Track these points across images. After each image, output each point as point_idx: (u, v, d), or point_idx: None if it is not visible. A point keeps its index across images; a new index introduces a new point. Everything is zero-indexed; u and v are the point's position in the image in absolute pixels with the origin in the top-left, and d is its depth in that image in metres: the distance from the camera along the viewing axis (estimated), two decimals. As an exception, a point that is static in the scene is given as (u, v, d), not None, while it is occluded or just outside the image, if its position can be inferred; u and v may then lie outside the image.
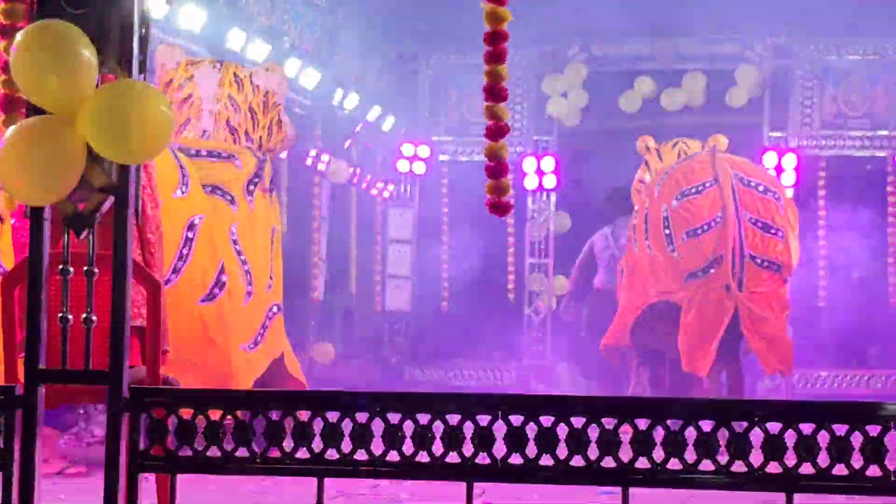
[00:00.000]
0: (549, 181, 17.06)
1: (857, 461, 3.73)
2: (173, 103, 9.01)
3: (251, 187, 8.93)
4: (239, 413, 4.09)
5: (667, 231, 10.76)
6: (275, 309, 9.04)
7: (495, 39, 4.84)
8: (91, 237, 4.18)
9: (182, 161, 8.42)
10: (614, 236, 13.14)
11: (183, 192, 8.26)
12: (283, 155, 9.71)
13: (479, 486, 4.03)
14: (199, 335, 8.10)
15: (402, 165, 17.23)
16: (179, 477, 4.17)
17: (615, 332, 11.41)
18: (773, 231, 10.55)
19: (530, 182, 16.96)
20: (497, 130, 4.87)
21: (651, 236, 10.98)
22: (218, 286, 8.29)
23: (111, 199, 4.14)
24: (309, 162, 15.22)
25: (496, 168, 4.87)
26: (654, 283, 10.92)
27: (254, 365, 8.70)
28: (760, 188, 10.78)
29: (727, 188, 10.53)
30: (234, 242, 8.63)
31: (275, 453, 4.04)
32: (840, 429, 3.74)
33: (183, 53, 9.63)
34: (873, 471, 3.72)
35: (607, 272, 13.01)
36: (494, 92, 4.90)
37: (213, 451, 4.09)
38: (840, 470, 3.74)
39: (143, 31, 4.23)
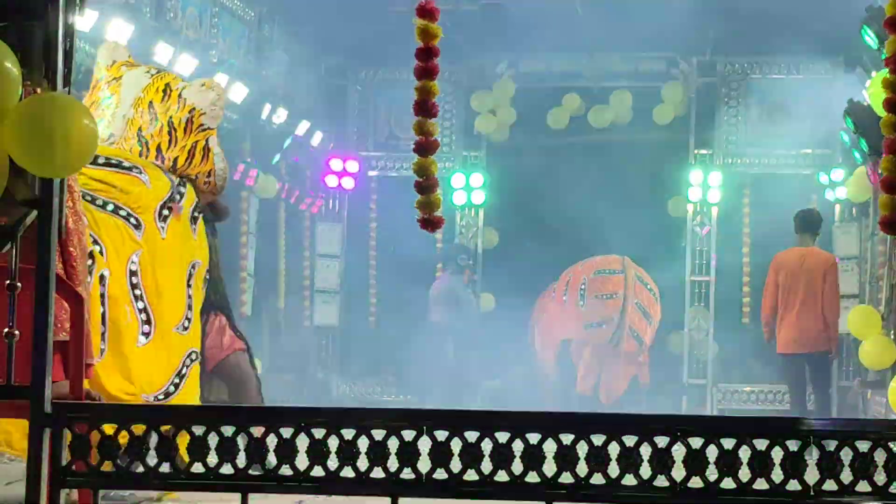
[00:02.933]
0: (478, 197, 17.10)
1: (777, 475, 3.77)
2: (94, 103, 8.02)
3: (164, 212, 7.64)
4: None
5: (582, 291, 14.91)
6: (192, 356, 7.70)
7: (426, 56, 4.86)
8: (14, 251, 4.14)
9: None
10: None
11: None
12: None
13: (404, 502, 4.03)
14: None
15: (331, 180, 17.19)
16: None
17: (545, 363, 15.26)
18: (647, 317, 14.83)
19: (459, 198, 16.99)
20: (426, 146, 4.89)
21: (570, 294, 15.04)
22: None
23: (34, 213, 4.10)
24: (237, 177, 15.15)
25: (425, 184, 4.88)
26: (560, 327, 15.02)
27: None
28: (648, 286, 14.93)
29: (629, 278, 14.76)
30: (132, 274, 7.33)
31: (199, 468, 4.02)
32: (761, 443, 3.78)
33: (126, 54, 8.44)
34: (793, 485, 3.77)
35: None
36: (425, 107, 4.91)
37: (137, 467, 4.06)
38: (761, 484, 3.78)
39: (68, 44, 4.20)
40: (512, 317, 15.59)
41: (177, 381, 7.52)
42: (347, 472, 3.95)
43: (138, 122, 7.92)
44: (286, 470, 3.98)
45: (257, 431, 4.06)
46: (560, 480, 3.87)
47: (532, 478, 3.88)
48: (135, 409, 4.73)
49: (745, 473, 3.78)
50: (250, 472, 4.00)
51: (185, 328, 7.67)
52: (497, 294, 16.70)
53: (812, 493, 3.76)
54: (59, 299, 4.80)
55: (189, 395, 7.59)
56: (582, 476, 3.86)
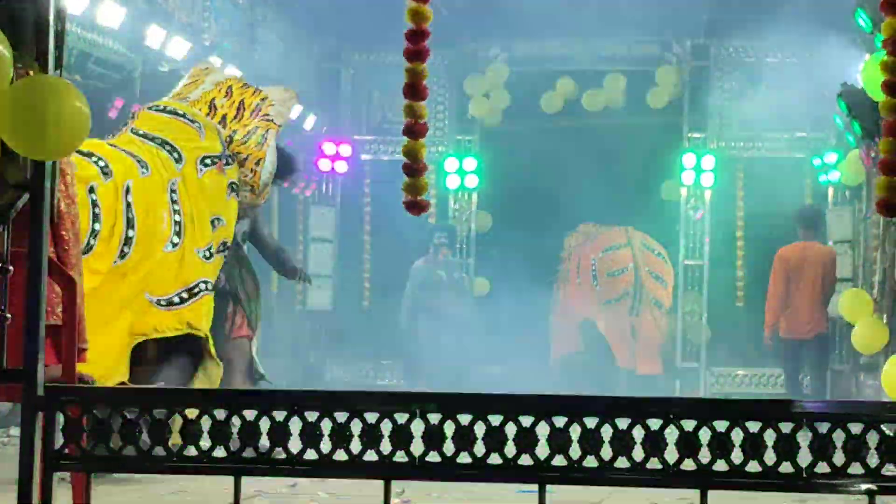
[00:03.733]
0: (471, 181, 17.11)
1: (770, 458, 3.78)
2: (180, 95, 8.79)
3: (206, 160, 8.36)
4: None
5: (594, 272, 15.35)
6: (207, 285, 8.25)
7: (417, 38, 4.84)
8: (6, 234, 4.13)
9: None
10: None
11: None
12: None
13: (398, 485, 4.03)
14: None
15: (324, 164, 17.19)
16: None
17: (565, 343, 15.50)
18: (661, 280, 15.33)
19: (452, 181, 16.99)
20: (415, 129, 4.87)
21: (582, 275, 15.49)
22: (93, 236, 7.55)
23: (26, 196, 4.09)
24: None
25: (413, 167, 4.86)
26: (579, 308, 15.39)
27: (162, 322, 7.96)
28: (656, 251, 15.43)
29: (636, 248, 15.29)
30: (172, 192, 8.10)
31: (192, 452, 4.02)
32: (753, 426, 3.79)
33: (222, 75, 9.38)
34: (786, 468, 3.77)
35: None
36: (415, 90, 4.89)
37: (129, 450, 4.06)
38: (753, 467, 3.79)
39: (59, 26, 4.18)
40: (506, 301, 15.62)
41: (184, 295, 8.05)
42: (340, 456, 3.95)
43: (213, 94, 8.73)
44: (279, 453, 3.98)
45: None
46: (553, 463, 3.87)
47: (525, 460, 3.88)
48: (128, 392, 4.72)
49: (737, 456, 3.78)
50: (243, 455, 4.00)
51: (207, 258, 8.29)
52: (491, 278, 16.72)
53: (804, 475, 3.76)
54: (50, 283, 4.79)
55: (197, 315, 8.14)
56: (575, 459, 3.86)
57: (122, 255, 7.65)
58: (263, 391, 4.05)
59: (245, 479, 4.02)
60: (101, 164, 7.74)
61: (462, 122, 17.22)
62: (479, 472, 3.92)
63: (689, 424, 3.82)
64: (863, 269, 14.41)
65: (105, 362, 7.31)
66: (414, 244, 16.12)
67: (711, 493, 3.84)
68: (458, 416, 3.93)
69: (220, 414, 4.02)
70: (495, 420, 3.90)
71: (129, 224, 7.75)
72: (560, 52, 16.97)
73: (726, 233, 16.63)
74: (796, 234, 13.17)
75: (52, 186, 4.14)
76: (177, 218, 8.09)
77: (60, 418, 4.09)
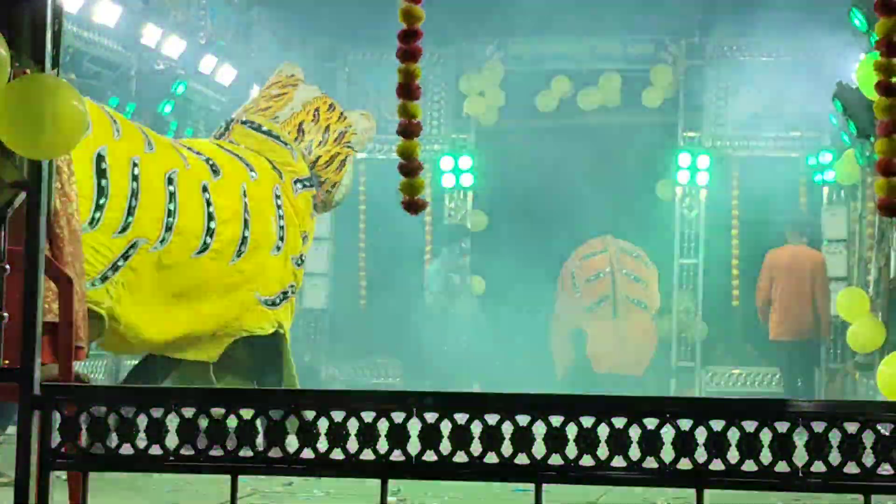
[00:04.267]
0: (467, 180, 17.10)
1: (765, 457, 3.78)
2: (266, 98, 9.51)
3: (299, 184, 9.12)
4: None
5: (574, 280, 15.70)
6: (290, 289, 9.13)
7: (409, 38, 4.84)
8: (2, 233, 4.13)
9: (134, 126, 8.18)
10: None
11: (151, 149, 7.87)
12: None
13: (394, 484, 4.03)
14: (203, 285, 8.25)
15: (319, 163, 17.17)
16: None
17: (563, 358, 15.69)
18: (640, 281, 15.48)
19: (447, 180, 16.99)
20: (409, 128, 4.87)
21: (566, 284, 15.81)
22: (209, 234, 8.17)
23: (22, 195, 4.09)
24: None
25: (409, 166, 4.86)
26: (568, 317, 15.72)
27: (259, 320, 8.80)
28: (634, 254, 15.57)
29: (612, 253, 15.51)
30: (277, 197, 8.85)
31: (188, 450, 4.02)
32: (750, 425, 3.79)
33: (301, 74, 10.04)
34: (781, 467, 3.78)
35: None
36: (408, 90, 4.89)
37: (126, 449, 4.06)
38: (749, 466, 3.79)
39: (57, 25, 4.19)
40: (502, 300, 15.63)
41: (282, 296, 8.96)
42: (337, 455, 3.96)
43: (301, 117, 9.42)
44: (276, 452, 3.98)
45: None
46: (549, 462, 3.87)
47: (521, 459, 3.89)
48: (124, 391, 4.72)
49: (733, 455, 3.79)
50: (240, 454, 4.00)
51: (298, 265, 9.17)
52: (486, 277, 16.70)
53: (800, 474, 3.77)
54: (46, 281, 4.79)
55: (286, 314, 9.08)
56: (571, 458, 3.86)
57: (239, 254, 8.43)
58: (260, 390, 4.05)
59: (241, 478, 4.03)
60: (212, 164, 8.42)
61: (457, 120, 17.19)
62: (476, 471, 3.93)
63: (685, 424, 3.83)
64: (857, 268, 14.43)
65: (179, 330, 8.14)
66: (410, 242, 16.12)
67: (707, 493, 3.85)
68: (454, 416, 3.93)
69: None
70: (492, 419, 3.90)
71: (245, 225, 8.50)
72: (555, 52, 16.95)
73: (721, 232, 16.62)
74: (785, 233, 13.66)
75: (50, 185, 4.14)
76: (281, 223, 8.88)
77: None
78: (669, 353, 16.43)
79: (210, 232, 8.08)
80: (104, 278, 7.41)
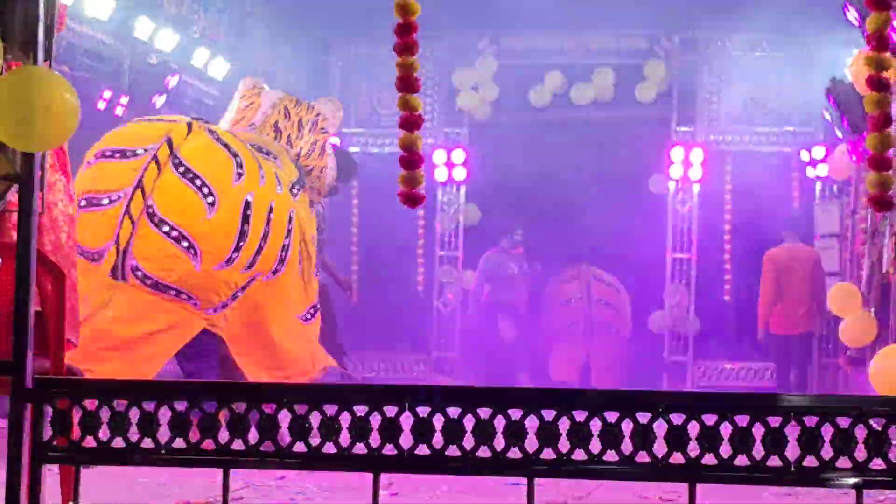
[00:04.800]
0: (460, 173, 17.08)
1: (758, 452, 3.78)
2: (238, 111, 9.85)
3: (294, 189, 9.34)
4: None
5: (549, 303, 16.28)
6: (316, 308, 9.60)
7: (405, 31, 4.84)
8: (-6, 225, 4.13)
9: (235, 149, 8.78)
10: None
11: (240, 177, 8.61)
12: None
13: (386, 478, 4.03)
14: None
15: (312, 157, 17.15)
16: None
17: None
18: (611, 307, 16.14)
19: (440, 174, 16.97)
20: (411, 121, 4.88)
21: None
22: (280, 262, 8.91)
23: (15, 188, 4.09)
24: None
25: (410, 159, 4.86)
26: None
27: (309, 335, 9.36)
28: (605, 281, 16.23)
29: (585, 280, 16.18)
30: (289, 221, 9.10)
31: (180, 444, 4.02)
32: (742, 420, 3.79)
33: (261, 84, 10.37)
34: (774, 461, 3.78)
35: None
36: (407, 83, 4.89)
37: (118, 442, 4.06)
38: (742, 460, 3.80)
39: (49, 18, 4.17)
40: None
41: (309, 315, 9.44)
42: (329, 448, 3.95)
43: (275, 118, 9.78)
44: (268, 445, 3.98)
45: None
46: (542, 456, 3.87)
47: (514, 453, 3.89)
48: (117, 384, 4.70)
49: (725, 449, 3.79)
50: (232, 447, 4.00)
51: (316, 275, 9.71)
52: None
53: (793, 468, 3.77)
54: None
55: (312, 334, 9.57)
56: (564, 452, 3.86)
57: (275, 273, 8.88)
58: (251, 384, 4.04)
59: (233, 472, 4.02)
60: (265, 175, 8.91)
61: (450, 114, 17.18)
62: (468, 465, 3.93)
63: (677, 418, 3.83)
64: (850, 263, 14.45)
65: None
66: (403, 237, 16.12)
67: (700, 487, 3.85)
68: (447, 410, 3.93)
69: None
70: (484, 413, 3.90)
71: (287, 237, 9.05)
72: (549, 46, 16.94)
73: (714, 226, 16.64)
74: (781, 233, 13.84)
75: (42, 178, 4.13)
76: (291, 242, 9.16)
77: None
78: (662, 347, 16.45)
79: (284, 248, 8.92)
80: (224, 306, 8.56)
